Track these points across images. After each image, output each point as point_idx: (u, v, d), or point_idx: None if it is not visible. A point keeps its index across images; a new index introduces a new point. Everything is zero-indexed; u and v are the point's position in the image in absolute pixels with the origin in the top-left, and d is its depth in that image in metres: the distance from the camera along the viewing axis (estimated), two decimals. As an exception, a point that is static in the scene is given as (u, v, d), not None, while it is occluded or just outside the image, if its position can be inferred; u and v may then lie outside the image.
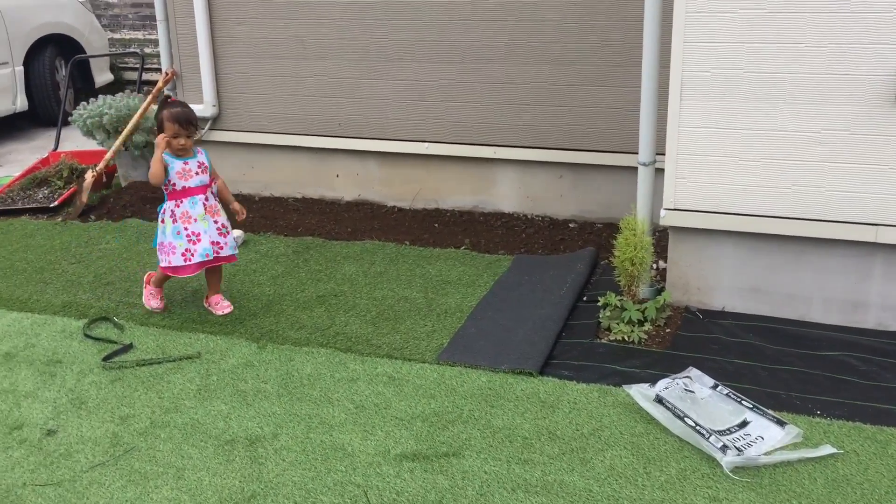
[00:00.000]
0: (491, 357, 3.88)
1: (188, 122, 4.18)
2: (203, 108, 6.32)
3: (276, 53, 6.13)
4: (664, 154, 4.15)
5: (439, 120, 5.87)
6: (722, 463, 3.03)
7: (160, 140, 4.17)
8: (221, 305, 4.47)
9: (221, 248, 4.31)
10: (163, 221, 4.28)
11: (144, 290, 4.53)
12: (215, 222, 4.29)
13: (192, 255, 4.22)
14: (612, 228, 5.43)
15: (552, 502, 2.91)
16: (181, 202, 4.23)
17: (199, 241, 4.22)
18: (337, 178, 6.32)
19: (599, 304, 4.24)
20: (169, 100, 4.29)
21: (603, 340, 4.02)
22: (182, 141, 4.18)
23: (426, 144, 5.94)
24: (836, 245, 4.01)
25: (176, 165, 4.21)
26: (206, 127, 6.43)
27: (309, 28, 5.99)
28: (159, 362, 3.95)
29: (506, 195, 5.91)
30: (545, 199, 5.82)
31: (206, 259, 4.25)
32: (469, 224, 5.74)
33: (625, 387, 3.55)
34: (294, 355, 3.97)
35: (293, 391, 3.67)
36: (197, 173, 4.26)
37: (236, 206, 4.46)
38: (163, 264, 4.29)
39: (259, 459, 3.21)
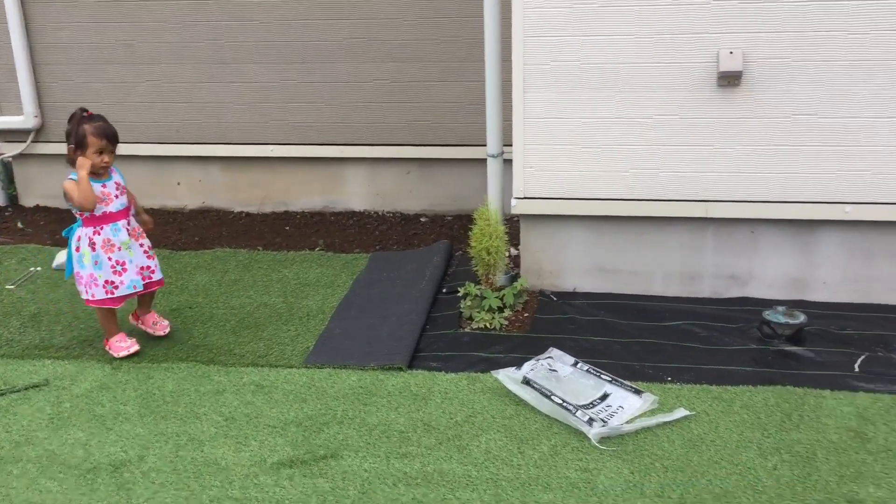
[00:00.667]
0: (359, 356, 3.88)
1: (115, 138, 3.78)
2: (23, 119, 5.96)
3: (103, 59, 5.81)
4: (512, 145, 4.30)
5: (283, 122, 5.78)
6: (589, 435, 3.19)
7: (83, 160, 3.70)
8: (161, 325, 4.13)
9: (152, 271, 3.97)
10: (78, 249, 3.83)
11: (110, 351, 3.99)
12: (140, 245, 3.94)
13: (117, 287, 3.84)
14: (463, 220, 5.57)
15: (433, 492, 2.96)
16: (101, 229, 3.80)
17: (124, 271, 3.85)
18: (178, 185, 6.09)
19: (459, 294, 4.33)
20: (86, 113, 3.75)
21: (466, 330, 4.11)
22: (107, 158, 3.76)
23: (271, 147, 5.84)
24: (672, 222, 4.30)
25: (94, 189, 3.76)
26: (28, 139, 6.02)
27: (137, 33, 5.73)
28: (2, 394, 3.67)
29: (356, 193, 5.91)
30: (395, 196, 5.87)
31: (134, 291, 3.90)
32: (321, 225, 5.70)
33: (492, 372, 3.65)
34: (153, 373, 3.80)
35: (156, 410, 3.51)
36: (116, 196, 3.84)
37: (145, 216, 4.06)
38: (85, 297, 3.88)
39: (126, 485, 3.05)
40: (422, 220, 5.74)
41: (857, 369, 3.61)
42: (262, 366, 3.84)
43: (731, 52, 3.95)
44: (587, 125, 4.19)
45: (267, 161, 5.90)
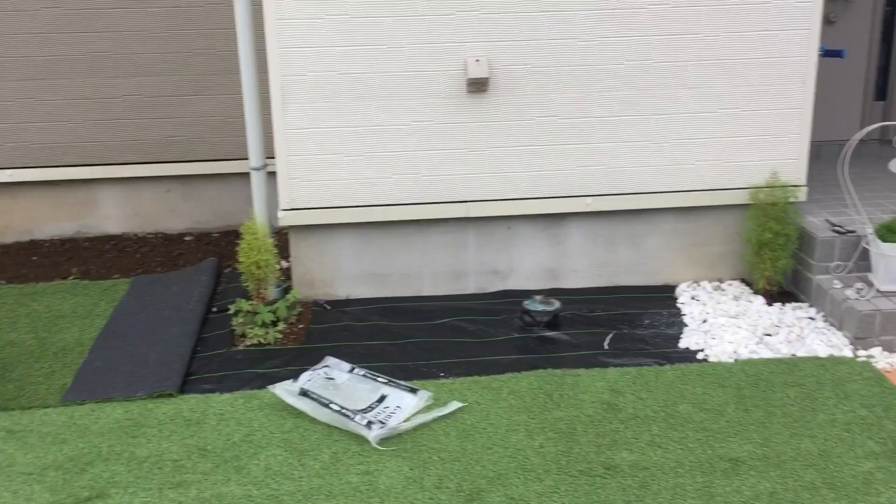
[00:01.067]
0: (124, 387, 3.66)
1: None
2: None
3: None
4: (275, 157, 4.26)
5: (23, 143, 5.33)
6: (369, 438, 3.24)
7: None
8: None
9: None
10: None
11: None
12: None
13: None
14: (230, 236, 5.43)
15: (214, 517, 2.87)
16: None
17: None
18: None
19: (231, 312, 4.22)
20: None
21: (240, 347, 4.02)
22: None
23: (9, 172, 5.36)
24: (437, 224, 4.47)
25: None
26: None
27: None
28: None
29: (112, 216, 5.58)
30: (156, 216, 5.61)
31: None
32: (74, 252, 5.32)
33: (269, 387, 3.60)
34: None
35: None
36: None
37: None
38: None
39: None
40: (186, 239, 5.53)
41: (606, 347, 3.96)
42: (12, 409, 3.52)
43: (478, 60, 4.18)
44: (349, 133, 4.25)
45: (6, 186, 5.41)
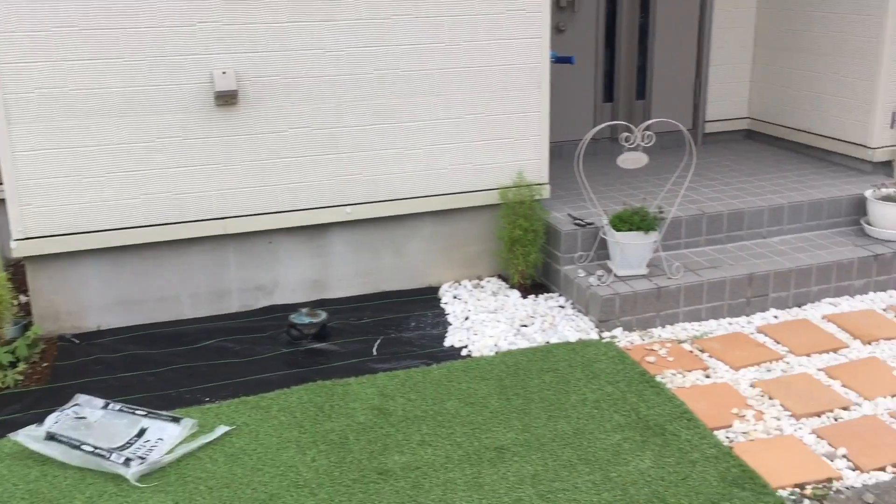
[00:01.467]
0: None
1: None
2: None
3: None
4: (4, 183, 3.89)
5: None
6: (128, 476, 3.04)
7: None
8: None
9: None
10: None
11: None
12: None
13: None
14: (-42, 272, 4.87)
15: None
16: None
17: None
18: None
19: (-40, 356, 3.79)
20: None
21: (-27, 394, 3.62)
22: None
23: None
24: (193, 243, 4.29)
25: None
26: None
27: None
28: None
29: None
30: None
31: None
32: None
33: (10, 436, 3.26)
34: None
35: None
36: None
37: None
38: None
39: None
40: None
41: (375, 353, 4.00)
42: None
43: (224, 73, 4.07)
44: (88, 154, 3.97)
45: None
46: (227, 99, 4.11)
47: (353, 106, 4.31)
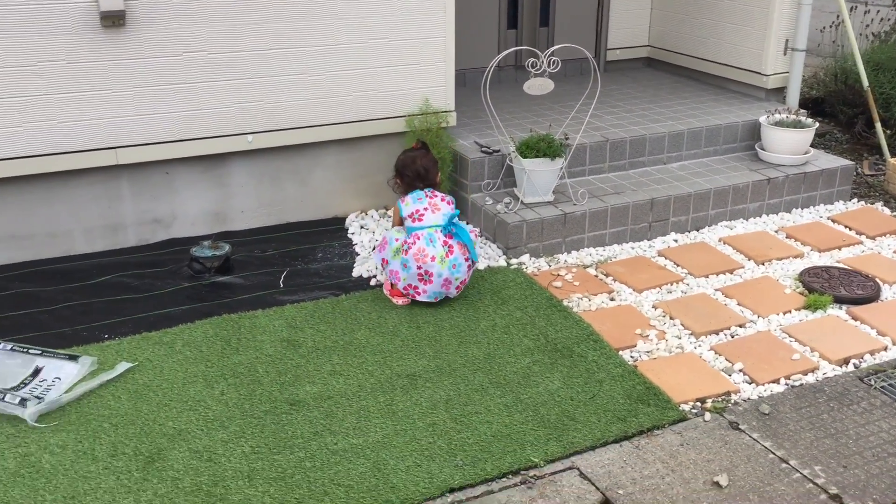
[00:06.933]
0: None
1: None
2: None
3: None
4: None
5: None
6: (25, 416, 2.90)
7: None
8: None
9: None
10: None
11: None
12: None
13: None
14: None
15: None
16: None
17: None
18: None
19: None
20: None
21: None
22: None
23: None
24: (83, 174, 4.05)
25: None
26: None
27: None
28: None
29: None
30: None
31: None
32: None
33: None
34: None
35: None
36: None
37: None
38: None
39: None
40: None
41: (281, 285, 3.92)
42: None
43: (110, -9, 3.79)
44: (-43, 77, 3.67)
45: None
46: (114, 20, 3.84)
47: (253, 29, 4.11)
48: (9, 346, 3.29)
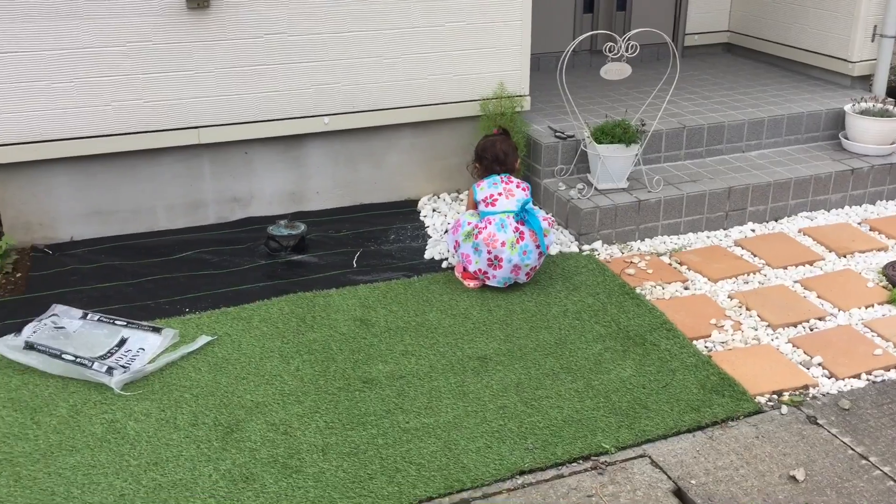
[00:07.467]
0: None
1: None
2: None
3: None
4: (-38, 86, 3.72)
5: None
6: (111, 385, 3.02)
7: None
8: None
9: None
10: None
11: None
12: None
13: None
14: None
15: (-67, 495, 2.55)
16: None
17: None
18: None
19: (-71, 267, 3.70)
20: None
21: (-54, 305, 3.55)
22: None
23: None
24: (166, 153, 4.18)
25: None
26: None
27: None
28: None
29: None
30: None
31: None
32: None
33: (-13, 346, 3.22)
34: None
35: None
36: None
37: None
38: None
39: None
40: None
41: (355, 265, 3.98)
42: None
43: (195, -27, 3.89)
44: (55, 58, 3.80)
45: None
46: (199, 1, 3.94)
47: (331, 11, 4.16)
48: (96, 317, 3.42)
